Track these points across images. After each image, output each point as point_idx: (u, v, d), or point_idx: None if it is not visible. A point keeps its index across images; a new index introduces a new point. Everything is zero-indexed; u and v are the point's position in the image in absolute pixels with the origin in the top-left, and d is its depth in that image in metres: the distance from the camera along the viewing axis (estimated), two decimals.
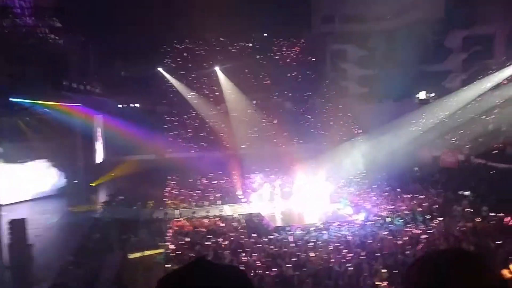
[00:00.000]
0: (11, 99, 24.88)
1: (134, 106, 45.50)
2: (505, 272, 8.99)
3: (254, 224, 26.40)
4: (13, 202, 27.10)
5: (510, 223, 18.32)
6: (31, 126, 27.16)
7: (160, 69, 48.49)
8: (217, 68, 50.62)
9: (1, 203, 21.13)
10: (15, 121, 27.21)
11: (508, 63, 39.00)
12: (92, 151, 30.16)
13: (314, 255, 18.29)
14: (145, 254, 22.58)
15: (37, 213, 26.05)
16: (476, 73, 43.45)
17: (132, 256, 22.31)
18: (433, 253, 1.39)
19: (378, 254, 17.47)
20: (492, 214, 21.76)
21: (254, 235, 22.82)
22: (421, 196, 28.15)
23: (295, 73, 55.68)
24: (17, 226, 17.46)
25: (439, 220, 21.83)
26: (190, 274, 1.34)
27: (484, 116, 34.82)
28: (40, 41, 27.58)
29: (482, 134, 32.31)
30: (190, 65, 51.23)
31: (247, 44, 57.34)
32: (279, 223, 26.13)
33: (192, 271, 1.35)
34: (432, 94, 46.32)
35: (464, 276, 1.24)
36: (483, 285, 1.22)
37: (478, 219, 20.57)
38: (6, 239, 17.56)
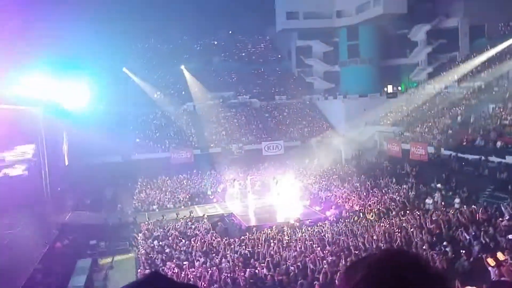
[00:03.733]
0: None
1: (99, 107, 44.29)
2: (490, 260, 9.12)
3: (226, 224, 26.12)
4: None
5: (482, 216, 18.55)
6: None
7: (124, 69, 47.64)
8: (182, 67, 50.11)
9: None
10: None
11: (473, 55, 39.78)
12: (58, 155, 29.11)
13: (288, 253, 18.07)
14: (115, 259, 22.08)
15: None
16: (441, 66, 44.25)
17: (102, 261, 21.77)
18: (365, 256, 1.32)
19: (354, 251, 17.36)
20: (464, 205, 22.03)
21: (226, 236, 22.54)
22: (392, 190, 28.35)
23: (261, 70, 55.70)
24: None
25: (412, 214, 21.93)
26: None
27: (453, 108, 35.28)
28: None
29: (451, 126, 32.70)
30: (155, 63, 50.55)
31: (212, 42, 57.06)
32: (251, 222, 25.84)
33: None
34: (399, 88, 46.91)
35: (396, 276, 1.17)
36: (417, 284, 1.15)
37: (451, 212, 20.76)
38: None
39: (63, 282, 17.95)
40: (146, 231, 23.93)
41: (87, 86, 33.84)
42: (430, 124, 35.06)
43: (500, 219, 17.81)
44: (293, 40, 54.76)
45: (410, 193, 27.18)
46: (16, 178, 19.13)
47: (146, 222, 25.76)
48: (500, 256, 8.93)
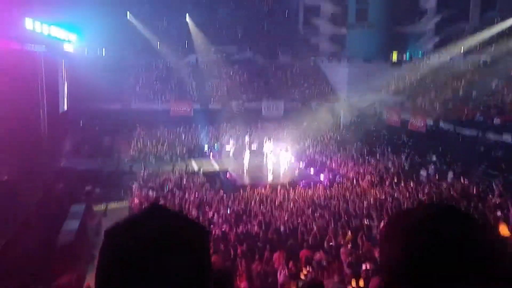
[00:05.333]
0: None
1: (100, 54, 43.86)
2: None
3: (221, 180, 26.36)
4: None
5: (474, 191, 18.89)
6: None
7: (128, 15, 46.89)
8: (187, 18, 49.38)
9: None
10: None
11: (482, 28, 39.23)
12: (56, 99, 29.00)
13: (280, 214, 18.34)
14: (109, 206, 22.34)
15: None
16: (449, 37, 43.67)
17: (96, 208, 22.03)
18: (415, 207, 1.26)
19: (344, 216, 17.62)
20: (457, 180, 22.33)
21: (221, 191, 22.77)
22: (387, 159, 28.53)
23: (267, 26, 54.82)
24: None
25: (405, 184, 22.18)
26: (143, 220, 1.17)
27: (456, 81, 35.13)
28: None
29: (452, 100, 32.66)
30: (159, 12, 49.67)
31: None
32: (246, 180, 26.10)
33: (145, 217, 1.18)
34: (405, 56, 46.48)
35: (456, 231, 1.13)
36: (476, 240, 1.12)
37: (444, 185, 21.05)
38: None
39: (57, 226, 18.20)
40: (141, 181, 24.18)
41: (89, 30, 33.39)
42: (432, 96, 34.98)
43: (491, 195, 18.14)
44: None
45: (405, 163, 27.38)
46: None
47: (142, 172, 25.99)
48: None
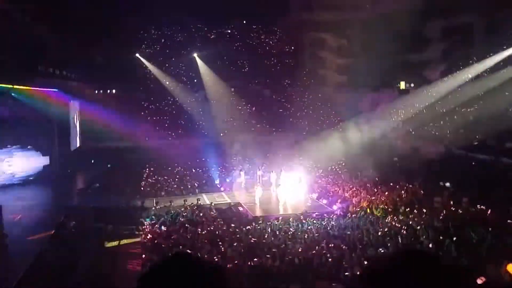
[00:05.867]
0: None
1: (111, 92, 44.59)
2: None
3: (232, 213, 26.18)
4: None
5: (490, 216, 18.60)
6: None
7: (138, 55, 47.70)
8: (195, 55, 50.09)
9: None
10: None
11: (489, 54, 39.32)
12: (68, 137, 29.35)
13: (293, 246, 18.13)
14: (122, 243, 22.25)
15: (14, 199, 25.37)
16: (455, 64, 43.72)
17: (109, 244, 21.95)
18: (383, 257, 1.31)
19: (359, 246, 17.40)
20: (473, 205, 22.00)
21: (233, 225, 22.57)
22: (401, 187, 28.23)
23: (274, 61, 55.43)
24: None
25: (419, 212, 21.89)
26: (170, 270, 1.34)
27: (465, 108, 35.09)
28: (15, 25, 26.59)
29: (462, 126, 32.54)
30: (168, 51, 50.53)
31: (225, 31, 56.81)
32: (258, 213, 25.90)
33: (172, 267, 1.34)
34: (412, 84, 46.57)
35: (417, 277, 1.18)
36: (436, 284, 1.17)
37: (459, 211, 20.75)
38: None
39: (70, 263, 18.13)
40: (153, 216, 24.08)
41: (98, 71, 34.10)
42: (442, 122, 34.90)
43: (509, 220, 17.87)
44: (306, 32, 54.29)
45: (418, 190, 27.08)
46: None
47: (154, 208, 25.92)
48: None
